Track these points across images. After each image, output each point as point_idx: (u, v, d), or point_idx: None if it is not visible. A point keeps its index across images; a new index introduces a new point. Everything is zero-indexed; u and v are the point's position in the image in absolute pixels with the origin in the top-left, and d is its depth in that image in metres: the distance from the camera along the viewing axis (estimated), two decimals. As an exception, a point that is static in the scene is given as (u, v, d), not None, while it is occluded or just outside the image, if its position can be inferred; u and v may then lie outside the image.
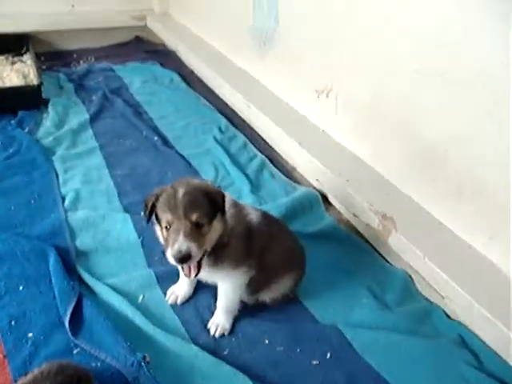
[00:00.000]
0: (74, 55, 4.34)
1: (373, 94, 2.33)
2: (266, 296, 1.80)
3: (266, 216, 1.77)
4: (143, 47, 4.60)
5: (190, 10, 4.49)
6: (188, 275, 1.51)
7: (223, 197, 1.54)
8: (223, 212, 1.54)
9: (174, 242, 1.40)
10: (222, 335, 1.72)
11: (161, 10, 4.87)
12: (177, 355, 1.60)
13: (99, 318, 1.69)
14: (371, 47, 2.27)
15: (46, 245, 1.98)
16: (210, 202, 1.48)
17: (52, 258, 1.90)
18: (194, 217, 1.43)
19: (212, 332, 1.72)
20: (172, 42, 4.48)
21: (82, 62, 4.20)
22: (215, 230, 1.51)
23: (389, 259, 2.12)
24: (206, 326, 1.75)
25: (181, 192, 1.45)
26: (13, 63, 3.95)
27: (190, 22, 4.54)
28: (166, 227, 1.46)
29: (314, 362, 1.64)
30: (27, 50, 4.10)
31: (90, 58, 4.26)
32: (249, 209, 1.72)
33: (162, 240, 1.54)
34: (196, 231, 1.43)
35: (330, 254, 2.12)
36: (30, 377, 1.36)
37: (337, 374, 1.60)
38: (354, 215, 2.24)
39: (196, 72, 3.99)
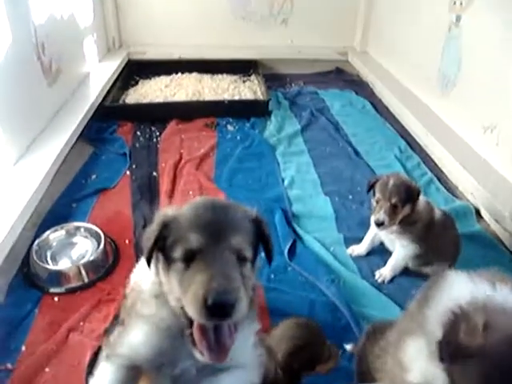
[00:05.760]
0: (288, 78, 5.49)
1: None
2: (429, 269, 2.51)
3: (444, 214, 2.50)
4: (342, 77, 5.58)
5: (386, 50, 5.32)
6: None
7: (419, 192, 2.34)
8: (415, 201, 2.34)
9: (377, 213, 2.30)
10: (382, 282, 2.54)
11: (361, 49, 5.81)
12: (353, 284, 2.49)
13: (306, 253, 2.66)
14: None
15: (274, 206, 3.02)
16: (407, 192, 2.30)
17: (278, 214, 2.93)
18: (393, 200, 2.29)
19: (376, 277, 2.55)
20: (366, 74, 5.39)
21: (293, 84, 5.34)
22: (405, 211, 2.33)
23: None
24: (372, 272, 2.59)
25: (391, 181, 2.31)
26: (244, 81, 5.28)
27: (384, 59, 5.37)
28: (377, 201, 2.35)
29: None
30: (253, 72, 5.41)
31: (300, 82, 5.39)
32: (435, 207, 2.48)
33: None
34: (392, 209, 2.30)
35: (475, 253, 2.68)
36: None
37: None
38: (504, 229, 2.81)
39: (384, 101, 4.83)
